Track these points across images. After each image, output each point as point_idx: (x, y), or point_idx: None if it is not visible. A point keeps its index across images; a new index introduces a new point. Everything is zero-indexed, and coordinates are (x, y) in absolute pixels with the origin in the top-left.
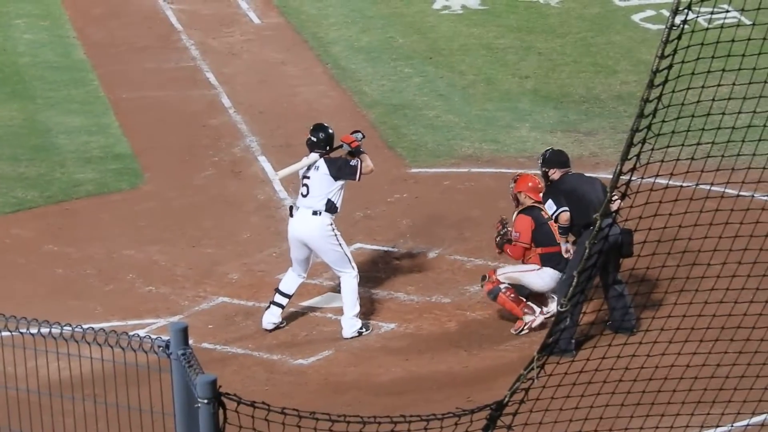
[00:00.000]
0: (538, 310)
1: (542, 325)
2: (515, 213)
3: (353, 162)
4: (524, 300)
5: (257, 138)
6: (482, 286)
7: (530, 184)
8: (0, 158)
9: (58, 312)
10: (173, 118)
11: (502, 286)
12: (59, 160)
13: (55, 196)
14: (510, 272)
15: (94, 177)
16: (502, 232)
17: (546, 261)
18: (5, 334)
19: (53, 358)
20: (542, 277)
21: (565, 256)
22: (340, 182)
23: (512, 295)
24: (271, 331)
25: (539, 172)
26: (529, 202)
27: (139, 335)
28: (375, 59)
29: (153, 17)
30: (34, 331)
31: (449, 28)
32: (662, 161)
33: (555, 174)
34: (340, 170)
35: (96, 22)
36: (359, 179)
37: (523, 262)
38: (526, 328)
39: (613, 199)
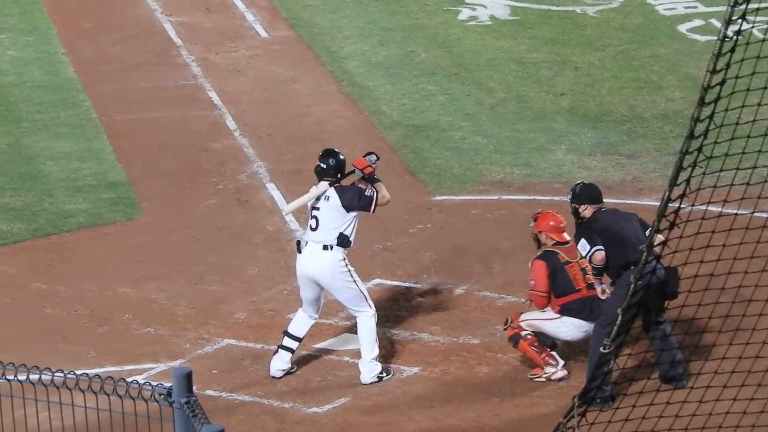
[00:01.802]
0: (561, 363)
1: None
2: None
3: (368, 192)
4: (548, 350)
5: (265, 163)
6: (504, 330)
7: (552, 223)
8: None
9: (47, 356)
10: (172, 142)
11: (523, 332)
12: (47, 189)
13: (42, 228)
14: (532, 319)
15: (86, 207)
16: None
17: (565, 311)
18: None
19: (42, 407)
20: (565, 326)
21: (602, 297)
22: (353, 213)
23: (535, 344)
24: (280, 377)
25: (569, 208)
26: (550, 243)
27: (137, 382)
28: (394, 76)
29: (149, 31)
30: (21, 377)
31: (476, 41)
32: (714, 187)
33: (586, 211)
34: (353, 201)
35: (87, 36)
36: (374, 211)
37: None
38: (544, 377)
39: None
